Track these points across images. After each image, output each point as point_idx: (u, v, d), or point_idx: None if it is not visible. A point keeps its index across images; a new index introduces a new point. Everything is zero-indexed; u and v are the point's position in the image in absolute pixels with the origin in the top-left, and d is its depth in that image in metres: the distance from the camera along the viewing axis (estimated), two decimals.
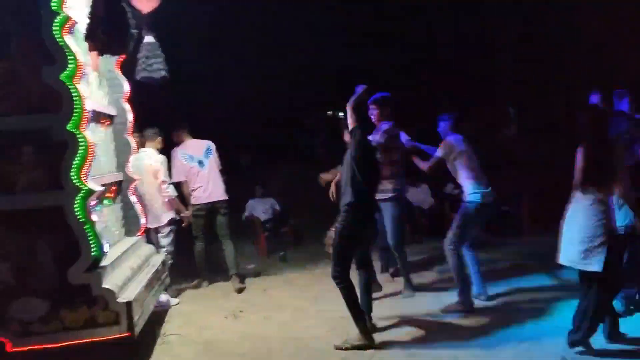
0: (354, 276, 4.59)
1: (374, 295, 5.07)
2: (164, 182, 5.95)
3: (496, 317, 4.88)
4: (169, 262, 6.01)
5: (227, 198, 6.59)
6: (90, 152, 3.80)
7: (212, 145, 6.58)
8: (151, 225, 5.99)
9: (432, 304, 5.33)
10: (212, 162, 6.51)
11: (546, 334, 4.40)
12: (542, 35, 10.28)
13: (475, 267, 5.30)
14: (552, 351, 4.05)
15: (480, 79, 10.96)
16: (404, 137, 5.68)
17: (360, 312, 4.47)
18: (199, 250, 6.49)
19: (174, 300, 6.00)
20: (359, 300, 4.52)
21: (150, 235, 6.09)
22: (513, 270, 6.36)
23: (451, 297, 5.20)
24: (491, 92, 11.23)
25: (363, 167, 4.45)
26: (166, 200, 6.00)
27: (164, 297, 5.72)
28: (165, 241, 6.07)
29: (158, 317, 5.31)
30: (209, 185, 6.42)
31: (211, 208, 6.50)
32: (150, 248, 5.45)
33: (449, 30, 10.83)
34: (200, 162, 6.43)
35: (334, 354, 4.36)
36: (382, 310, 5.12)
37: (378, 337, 4.56)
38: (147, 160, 5.94)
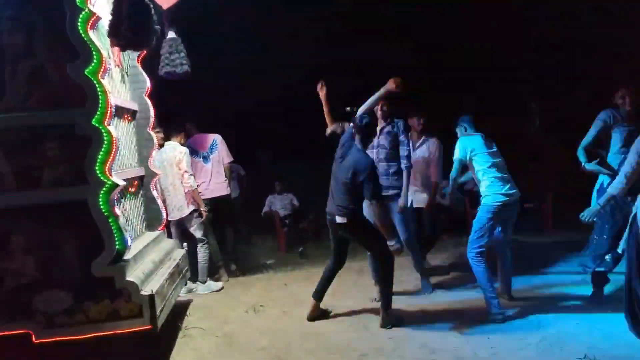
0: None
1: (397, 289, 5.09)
2: (186, 172, 6.02)
3: (518, 314, 4.84)
4: (207, 251, 6.28)
5: (228, 193, 6.67)
6: (113, 147, 3.83)
7: (219, 139, 6.62)
8: (174, 217, 6.08)
9: (452, 299, 5.30)
10: (217, 158, 6.57)
11: (569, 332, 4.36)
12: (569, 30, 10.13)
13: (508, 266, 5.19)
14: (575, 349, 4.00)
15: (504, 74, 10.84)
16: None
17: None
18: (210, 244, 6.45)
19: (217, 284, 6.33)
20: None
21: (172, 230, 6.21)
22: (535, 267, 6.29)
23: (469, 293, 5.18)
24: (515, 87, 11.11)
25: None
26: (186, 191, 6.05)
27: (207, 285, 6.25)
28: (199, 233, 6.23)
29: (180, 310, 5.36)
30: (210, 181, 6.52)
31: (216, 203, 6.56)
32: (171, 242, 5.49)
33: (475, 24, 10.67)
34: (205, 158, 6.55)
35: (353, 349, 4.36)
36: (401, 305, 5.12)
37: (398, 333, 4.56)
38: (171, 152, 6.05)
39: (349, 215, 4.74)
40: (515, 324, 4.62)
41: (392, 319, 4.80)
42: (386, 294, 4.83)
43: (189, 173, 6.04)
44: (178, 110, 7.54)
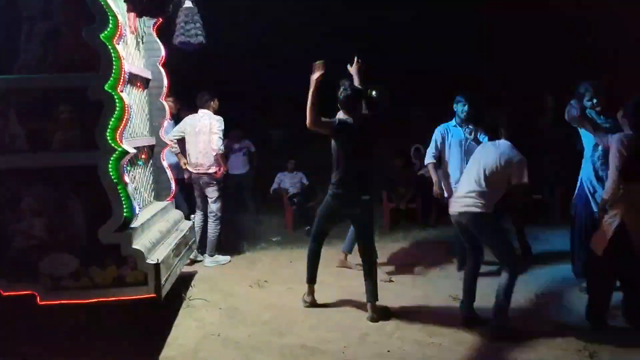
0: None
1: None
2: (215, 134, 6.10)
3: (517, 305, 4.82)
4: (218, 227, 6.32)
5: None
6: (125, 114, 3.82)
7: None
8: (198, 170, 6.22)
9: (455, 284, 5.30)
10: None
11: (569, 324, 4.35)
12: (586, 23, 9.94)
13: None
14: (574, 341, 4.01)
15: (520, 63, 10.69)
16: None
17: None
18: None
19: (224, 258, 6.42)
20: None
21: (195, 191, 6.38)
22: (540, 259, 6.26)
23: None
24: (530, 78, 10.95)
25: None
26: (214, 154, 6.12)
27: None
28: (215, 206, 6.30)
29: (184, 281, 5.39)
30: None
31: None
32: (179, 213, 5.51)
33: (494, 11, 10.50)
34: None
35: (354, 328, 4.37)
36: (406, 289, 5.12)
37: (400, 314, 4.58)
38: (206, 119, 6.18)
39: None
40: (516, 312, 4.60)
41: (382, 313, 4.65)
42: (373, 287, 4.69)
43: (219, 135, 6.09)
44: (190, 83, 7.52)
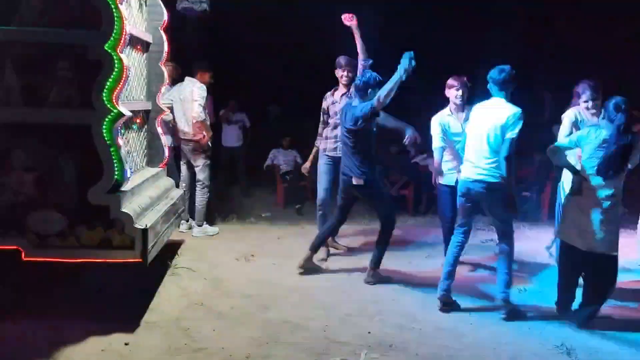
0: None
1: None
2: (196, 101, 6.06)
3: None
4: (205, 195, 6.30)
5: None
6: (123, 75, 3.77)
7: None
8: (186, 136, 6.23)
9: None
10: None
11: (548, 320, 4.36)
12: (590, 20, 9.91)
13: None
14: (552, 337, 4.04)
15: (520, 59, 10.65)
16: None
17: None
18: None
19: (213, 229, 6.43)
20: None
21: (182, 161, 6.39)
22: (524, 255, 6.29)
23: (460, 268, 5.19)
24: (529, 75, 10.92)
25: None
26: (194, 122, 6.06)
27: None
28: (202, 175, 6.30)
29: (171, 249, 5.38)
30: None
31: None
32: (170, 181, 5.48)
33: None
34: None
35: (337, 308, 4.40)
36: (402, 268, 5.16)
37: (383, 298, 4.60)
38: (189, 86, 6.16)
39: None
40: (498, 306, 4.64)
41: (377, 278, 4.97)
42: (380, 254, 5.01)
43: (199, 102, 6.04)
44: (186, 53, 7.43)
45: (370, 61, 5.28)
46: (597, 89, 4.81)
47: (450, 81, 5.24)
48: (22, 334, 3.61)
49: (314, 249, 5.22)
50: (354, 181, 4.89)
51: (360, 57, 5.30)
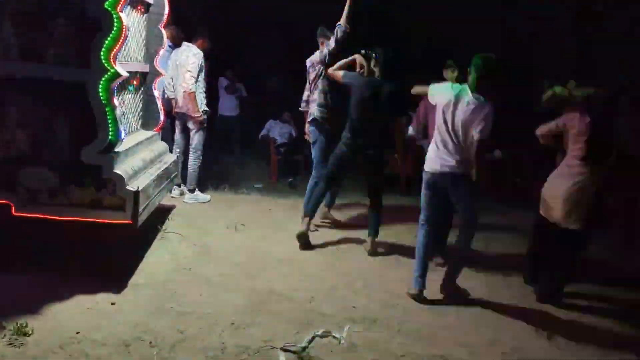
0: None
1: None
2: (189, 71, 6.00)
3: (479, 283, 4.92)
4: (198, 160, 6.29)
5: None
6: (122, 35, 3.73)
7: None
8: (181, 110, 6.19)
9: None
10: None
11: (527, 306, 4.43)
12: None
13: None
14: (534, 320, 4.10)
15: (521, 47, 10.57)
16: None
17: None
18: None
19: (205, 197, 6.44)
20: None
21: (177, 123, 6.36)
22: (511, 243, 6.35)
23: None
24: (529, 63, 10.85)
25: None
26: (183, 91, 6.02)
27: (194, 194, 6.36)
28: (196, 138, 6.29)
29: (162, 214, 5.39)
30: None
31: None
32: (164, 146, 5.46)
33: None
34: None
35: (324, 281, 4.43)
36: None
37: (370, 274, 4.64)
38: (185, 52, 6.11)
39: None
40: (478, 291, 4.69)
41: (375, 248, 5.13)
42: (376, 222, 5.17)
43: (192, 74, 5.98)
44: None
45: (344, 28, 5.30)
46: None
47: (448, 61, 5.28)
48: (9, 288, 3.62)
49: (309, 214, 5.25)
50: (369, 151, 5.02)
51: (339, 22, 5.35)
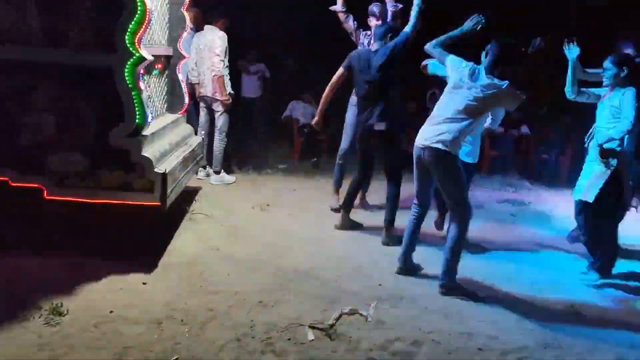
0: None
1: None
2: (217, 55, 6.01)
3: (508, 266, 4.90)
4: (223, 142, 6.32)
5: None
6: (146, 18, 3.75)
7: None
8: (205, 93, 6.22)
9: None
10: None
11: (557, 281, 4.43)
12: None
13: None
14: (562, 298, 4.08)
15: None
16: None
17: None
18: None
19: (230, 178, 6.49)
20: None
21: (201, 106, 6.39)
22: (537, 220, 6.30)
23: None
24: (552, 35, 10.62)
25: None
26: (213, 75, 6.03)
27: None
28: (221, 120, 6.32)
29: (189, 196, 5.46)
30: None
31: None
32: (189, 128, 5.51)
33: None
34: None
35: (350, 260, 4.47)
36: None
37: (396, 253, 4.66)
38: (210, 35, 6.11)
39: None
40: (508, 273, 4.67)
41: (394, 240, 4.85)
42: (392, 211, 4.97)
43: (220, 58, 6.01)
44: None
45: (400, 6, 5.22)
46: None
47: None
48: (44, 270, 3.72)
49: (347, 207, 5.23)
50: (376, 127, 4.86)
51: (389, 2, 5.25)
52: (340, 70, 5.16)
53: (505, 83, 3.88)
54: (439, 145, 3.89)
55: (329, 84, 5.23)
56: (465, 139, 4.18)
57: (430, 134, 3.97)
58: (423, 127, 4.08)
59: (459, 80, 3.96)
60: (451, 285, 3.97)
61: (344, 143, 5.70)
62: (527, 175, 8.00)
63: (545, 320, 3.69)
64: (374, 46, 4.93)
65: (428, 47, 4.22)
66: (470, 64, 4.02)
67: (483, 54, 4.04)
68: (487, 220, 5.75)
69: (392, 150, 5.04)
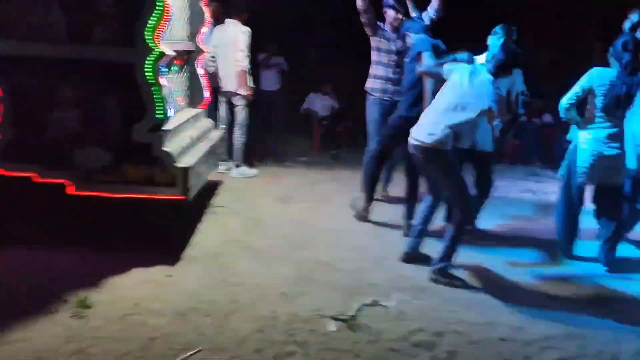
0: None
1: None
2: (242, 50, 6.02)
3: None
4: (243, 136, 6.34)
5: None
6: (166, 14, 3.79)
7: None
8: (226, 87, 6.26)
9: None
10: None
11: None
12: None
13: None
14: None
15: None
16: None
17: None
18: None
19: (251, 171, 6.51)
20: None
21: (220, 100, 6.41)
22: None
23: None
24: (581, 22, 10.44)
25: None
26: (237, 70, 6.06)
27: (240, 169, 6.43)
28: (241, 115, 6.35)
29: (210, 189, 5.52)
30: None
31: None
32: (210, 122, 5.56)
33: None
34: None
35: (371, 251, 4.47)
36: None
37: None
38: (233, 29, 6.12)
39: None
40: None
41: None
42: (409, 206, 4.87)
43: (245, 53, 6.03)
44: None
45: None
46: None
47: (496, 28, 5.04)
48: (70, 264, 3.80)
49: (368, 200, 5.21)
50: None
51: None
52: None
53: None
54: (427, 140, 3.87)
55: None
56: (466, 132, 4.02)
57: (421, 130, 3.95)
58: (416, 124, 4.05)
59: (459, 80, 3.93)
60: (442, 272, 3.96)
61: (375, 144, 5.28)
62: (551, 165, 7.91)
63: (568, 310, 3.67)
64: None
65: (427, 69, 4.31)
66: (471, 65, 3.98)
67: (488, 54, 4.02)
68: (510, 210, 5.70)
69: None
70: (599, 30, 10.09)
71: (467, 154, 4.41)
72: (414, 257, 4.30)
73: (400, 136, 4.40)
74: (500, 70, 3.89)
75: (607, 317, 3.63)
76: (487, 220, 5.09)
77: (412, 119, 4.20)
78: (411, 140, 3.99)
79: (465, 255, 4.45)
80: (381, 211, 5.43)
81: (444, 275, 3.95)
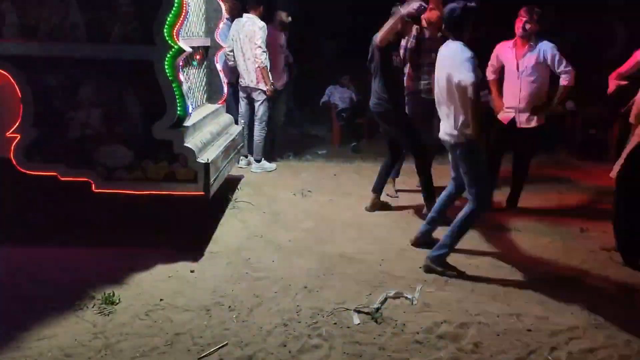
0: None
1: None
2: (259, 47, 6.02)
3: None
4: (263, 131, 6.37)
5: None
6: (183, 10, 3.81)
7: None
8: (244, 83, 6.27)
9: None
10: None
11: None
12: None
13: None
14: None
15: None
16: None
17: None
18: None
19: (271, 166, 6.53)
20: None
21: (240, 95, 6.44)
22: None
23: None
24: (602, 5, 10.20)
25: None
26: (256, 66, 6.06)
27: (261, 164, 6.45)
28: (261, 110, 6.35)
29: (231, 184, 5.54)
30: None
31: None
32: (229, 117, 5.58)
33: None
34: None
35: (393, 244, 4.45)
36: None
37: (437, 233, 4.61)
38: (250, 25, 6.11)
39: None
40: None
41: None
42: (426, 185, 5.00)
43: (262, 49, 6.02)
44: None
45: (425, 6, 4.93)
46: None
47: (520, 11, 4.95)
48: (95, 261, 3.85)
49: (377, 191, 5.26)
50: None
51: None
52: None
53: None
54: (447, 138, 3.96)
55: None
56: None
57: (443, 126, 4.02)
58: None
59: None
60: (438, 260, 3.90)
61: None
62: (574, 152, 7.81)
63: (595, 301, 3.60)
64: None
65: None
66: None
67: None
68: (534, 198, 5.63)
69: (399, 131, 5.07)
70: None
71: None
72: (421, 242, 4.33)
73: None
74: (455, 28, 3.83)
75: (636, 308, 3.58)
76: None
77: None
78: (442, 135, 4.03)
79: (490, 244, 4.44)
80: (401, 202, 5.41)
81: (440, 263, 3.91)
